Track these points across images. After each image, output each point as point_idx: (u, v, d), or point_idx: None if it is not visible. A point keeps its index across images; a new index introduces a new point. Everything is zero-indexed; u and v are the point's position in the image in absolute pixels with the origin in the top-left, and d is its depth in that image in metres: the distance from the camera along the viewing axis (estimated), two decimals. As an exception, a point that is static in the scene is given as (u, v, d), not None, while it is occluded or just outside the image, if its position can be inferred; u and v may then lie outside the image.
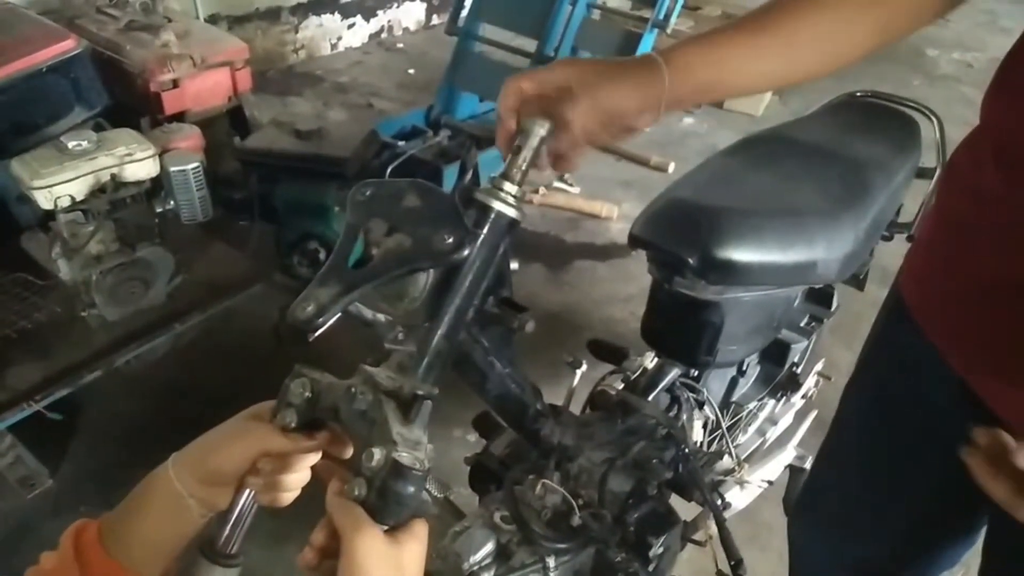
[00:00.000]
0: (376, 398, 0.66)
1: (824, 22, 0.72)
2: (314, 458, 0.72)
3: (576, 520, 1.00)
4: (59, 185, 1.73)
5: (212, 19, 3.61)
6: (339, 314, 0.63)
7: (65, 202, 1.75)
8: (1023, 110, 0.70)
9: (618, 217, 3.06)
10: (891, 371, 0.95)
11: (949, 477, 0.90)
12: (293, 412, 0.69)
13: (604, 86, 0.70)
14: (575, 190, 3.22)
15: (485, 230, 0.68)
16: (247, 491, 0.71)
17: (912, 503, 0.95)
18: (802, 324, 1.47)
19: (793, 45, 0.73)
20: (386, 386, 0.67)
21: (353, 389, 0.67)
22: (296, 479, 0.72)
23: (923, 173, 1.44)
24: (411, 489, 0.61)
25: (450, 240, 0.64)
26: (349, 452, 0.72)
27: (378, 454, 0.61)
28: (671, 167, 3.39)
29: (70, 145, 1.76)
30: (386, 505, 0.60)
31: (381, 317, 0.69)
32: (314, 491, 0.71)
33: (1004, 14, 5.38)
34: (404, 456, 0.61)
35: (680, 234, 1.07)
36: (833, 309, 1.54)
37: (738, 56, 0.73)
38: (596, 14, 3.26)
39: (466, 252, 0.66)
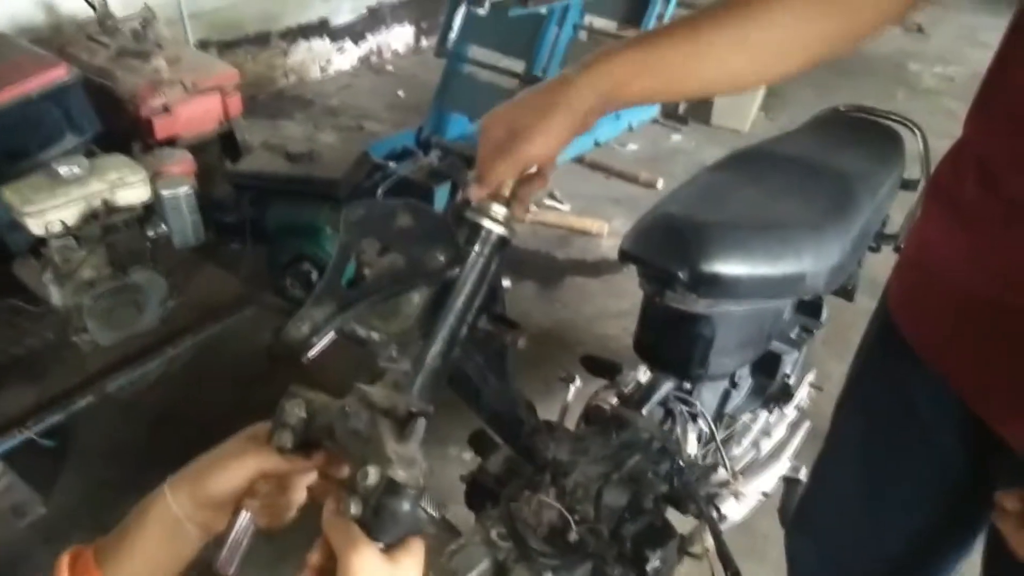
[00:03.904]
0: (371, 416, 0.66)
1: (779, 23, 0.70)
2: (311, 478, 0.73)
3: (572, 535, 1.00)
4: (51, 211, 1.73)
5: (202, 44, 3.63)
6: (333, 333, 0.64)
7: (57, 228, 1.75)
8: (1003, 129, 0.71)
9: (608, 233, 3.07)
10: (881, 387, 0.95)
11: (945, 491, 0.91)
12: (289, 433, 0.69)
13: (523, 140, 0.69)
14: (565, 207, 3.24)
15: (476, 248, 0.69)
16: (244, 512, 0.71)
17: (908, 517, 0.96)
18: (793, 336, 1.48)
19: (741, 48, 0.70)
20: (381, 404, 0.67)
21: (348, 408, 0.67)
22: (293, 499, 0.73)
23: (908, 185, 1.47)
24: (406, 507, 0.61)
25: (442, 258, 0.65)
26: (345, 471, 0.72)
27: (373, 472, 0.61)
28: (660, 183, 3.41)
29: (61, 171, 1.76)
30: (382, 523, 0.61)
31: (375, 336, 0.70)
32: (311, 511, 0.71)
33: (983, 28, 5.47)
34: (399, 474, 0.61)
35: (670, 248, 1.09)
36: (823, 320, 1.55)
37: (681, 63, 0.71)
38: (583, 35, 3.30)
39: (458, 270, 0.66)
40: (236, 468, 0.69)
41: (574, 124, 0.70)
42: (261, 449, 0.70)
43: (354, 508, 0.61)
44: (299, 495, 0.73)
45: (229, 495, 0.69)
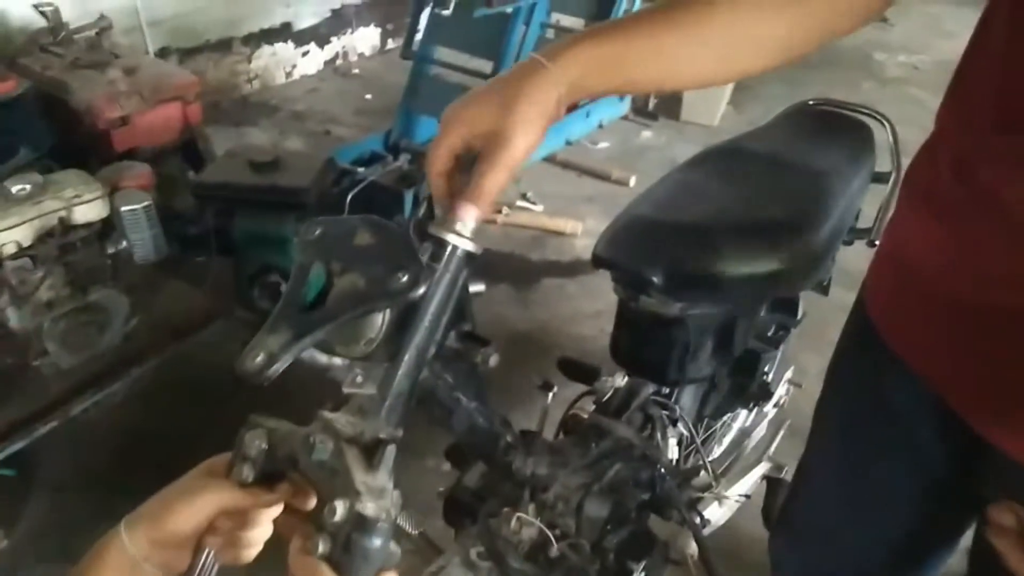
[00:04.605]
0: (337, 446, 0.63)
1: (747, 19, 0.68)
2: (275, 511, 0.69)
3: (554, 551, 0.97)
4: (4, 231, 1.67)
5: (162, 52, 3.55)
6: (290, 362, 0.60)
7: (11, 249, 1.69)
8: (977, 123, 0.69)
9: (582, 233, 3.06)
10: (858, 388, 0.93)
11: (926, 492, 0.90)
12: (250, 465, 0.66)
13: (505, 144, 0.65)
14: (538, 208, 3.22)
15: (441, 265, 0.66)
16: (206, 550, 0.67)
17: (890, 520, 0.94)
18: (770, 334, 1.47)
19: (708, 44, 0.69)
20: (347, 433, 0.64)
21: (312, 438, 0.64)
22: (257, 534, 0.69)
23: (879, 178, 1.46)
24: (377, 542, 0.58)
25: (405, 278, 0.62)
26: (312, 503, 0.69)
27: (341, 508, 0.58)
28: (632, 180, 3.40)
29: (14, 189, 1.70)
30: (352, 561, 0.57)
31: (337, 361, 0.66)
32: (278, 544, 0.68)
33: (946, 17, 5.54)
34: (369, 507, 0.58)
35: (643, 252, 1.07)
36: (799, 317, 1.54)
37: (649, 56, 0.68)
38: (550, 33, 3.28)
39: (422, 290, 0.63)
40: (195, 505, 0.65)
41: (548, 114, 0.66)
42: (220, 484, 0.66)
43: (322, 546, 0.58)
44: (264, 530, 0.70)
45: (189, 534, 0.65)
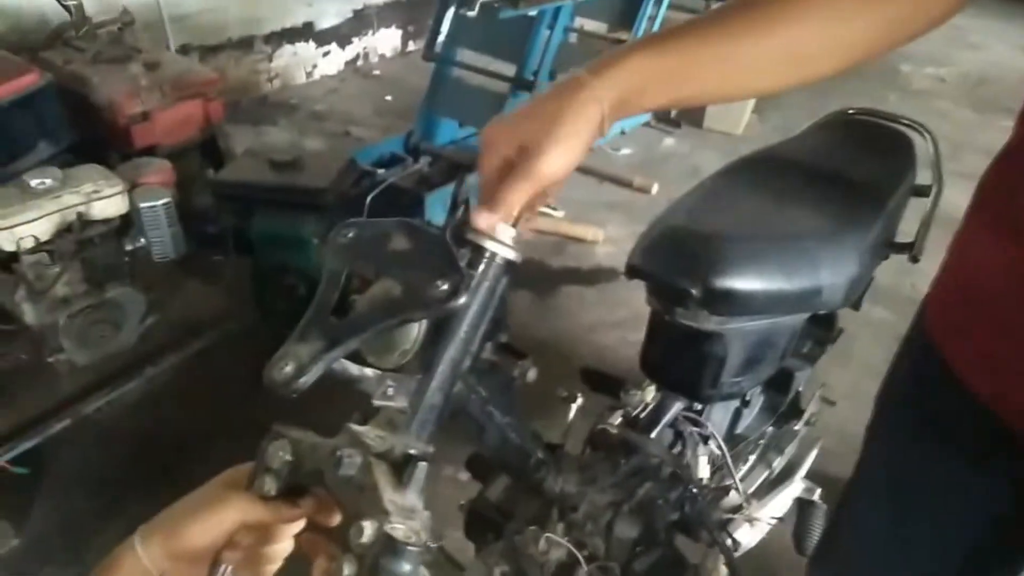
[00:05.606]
0: (365, 461, 0.60)
1: (820, 21, 0.64)
2: (297, 526, 0.66)
3: (582, 574, 0.93)
4: (22, 225, 1.65)
5: (183, 49, 3.55)
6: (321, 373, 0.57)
7: (29, 243, 1.67)
8: None
9: (604, 240, 3.01)
10: (918, 417, 0.87)
11: (991, 526, 0.84)
12: (272, 478, 0.62)
13: (536, 157, 0.64)
14: (559, 214, 3.18)
15: (480, 273, 0.62)
16: (224, 566, 0.64)
17: (950, 556, 0.88)
18: (805, 351, 1.42)
19: (783, 48, 0.65)
20: (376, 447, 0.60)
21: (339, 452, 0.60)
22: (278, 551, 0.66)
23: (919, 191, 1.41)
24: (406, 568, 0.54)
25: (445, 287, 0.58)
26: (336, 519, 0.66)
27: (368, 529, 0.54)
28: (654, 188, 3.36)
29: (33, 183, 1.69)
30: None
31: (369, 372, 0.63)
32: (299, 562, 0.65)
33: (971, 29, 5.46)
34: (398, 529, 0.55)
35: (681, 263, 1.02)
36: (836, 334, 1.49)
37: (713, 68, 0.64)
38: (573, 37, 3.25)
39: (463, 299, 0.59)
40: (214, 518, 0.62)
41: (591, 133, 0.63)
42: (241, 496, 0.63)
43: (347, 569, 0.55)
44: (285, 546, 0.66)
45: (206, 548, 0.62)
